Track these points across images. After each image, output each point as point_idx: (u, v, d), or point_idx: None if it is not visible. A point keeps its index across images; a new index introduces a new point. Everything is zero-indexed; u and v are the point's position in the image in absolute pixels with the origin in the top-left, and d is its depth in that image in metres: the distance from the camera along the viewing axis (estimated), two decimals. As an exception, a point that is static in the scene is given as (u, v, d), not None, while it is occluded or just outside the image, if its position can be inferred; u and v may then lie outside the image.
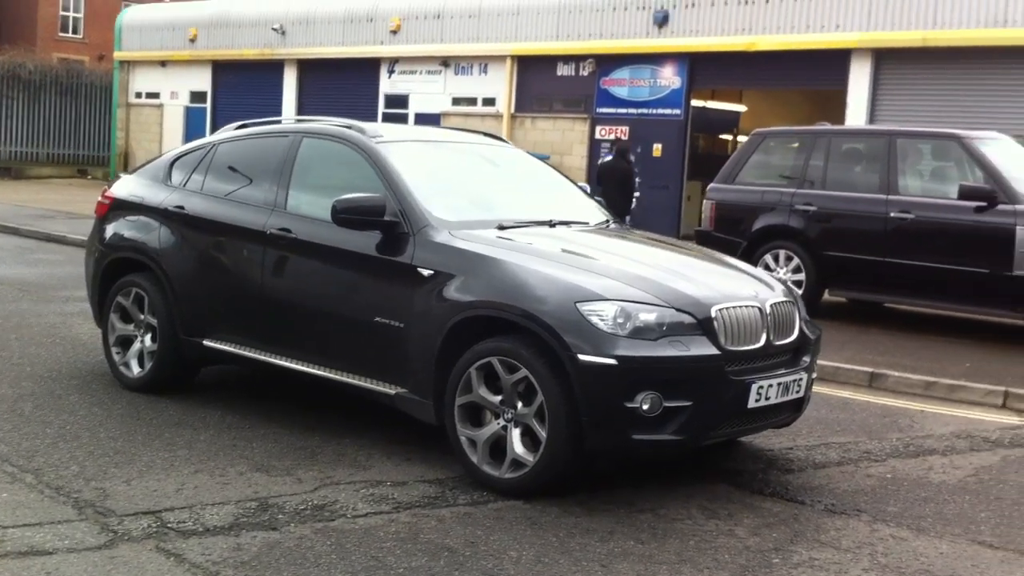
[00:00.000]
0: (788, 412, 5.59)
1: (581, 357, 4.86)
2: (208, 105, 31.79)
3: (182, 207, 6.73)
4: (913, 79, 18.04)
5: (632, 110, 21.82)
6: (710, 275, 5.60)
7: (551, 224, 6.10)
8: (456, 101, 25.24)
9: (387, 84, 26.84)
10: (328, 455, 5.68)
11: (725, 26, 20.05)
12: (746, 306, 5.30)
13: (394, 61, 26.59)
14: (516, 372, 5.06)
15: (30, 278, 12.06)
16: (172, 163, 7.09)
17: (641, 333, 4.92)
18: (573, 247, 5.65)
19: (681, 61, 21.00)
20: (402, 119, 25.92)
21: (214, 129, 31.74)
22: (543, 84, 23.34)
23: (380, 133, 6.30)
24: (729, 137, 25.60)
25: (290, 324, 6.11)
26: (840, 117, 18.42)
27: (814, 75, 19.22)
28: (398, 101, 26.50)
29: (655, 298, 5.07)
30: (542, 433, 4.99)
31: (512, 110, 23.86)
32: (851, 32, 18.39)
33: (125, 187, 7.32)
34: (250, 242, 6.31)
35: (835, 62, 18.69)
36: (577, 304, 4.98)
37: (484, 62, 24.53)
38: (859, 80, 18.45)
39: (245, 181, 6.60)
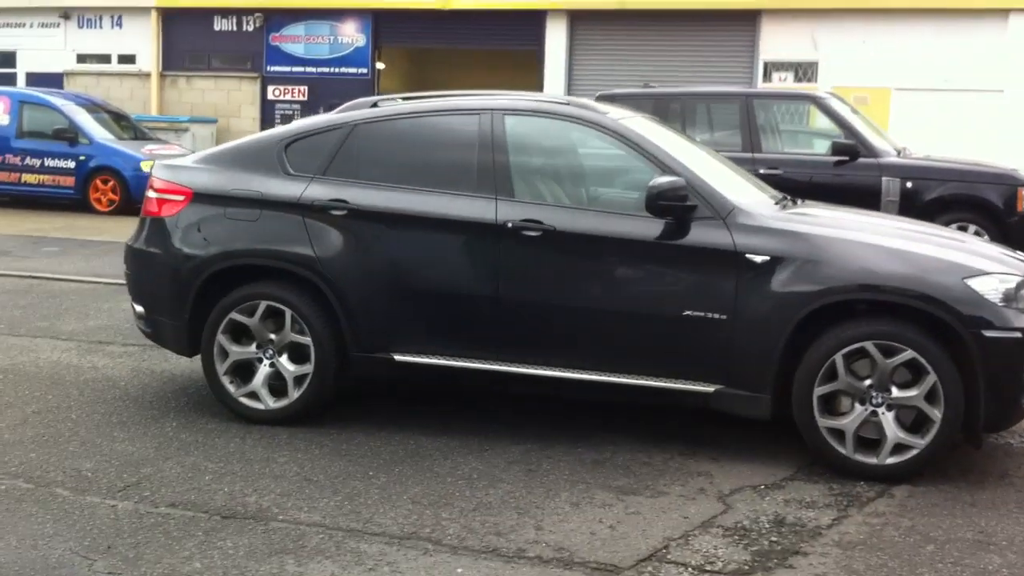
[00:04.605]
0: None
1: (987, 333, 4.88)
2: None
3: (344, 200, 5.61)
4: (607, 40, 19.11)
5: (311, 69, 20.89)
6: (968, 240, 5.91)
7: (784, 200, 5.96)
8: (82, 58, 22.50)
9: (-16, 39, 23.22)
10: (654, 467, 5.12)
11: (415, -18, 19.84)
12: None
13: (-9, 12, 23.03)
14: (896, 355, 4.94)
15: None
16: (285, 147, 5.85)
17: (1013, 303, 5.03)
18: (883, 225, 5.64)
19: (364, 18, 20.43)
20: (9, 80, 22.56)
21: None
22: (198, 40, 21.55)
23: (603, 109, 5.72)
24: (377, 96, 25.27)
25: (550, 328, 5.38)
26: (530, 78, 19.07)
27: (510, 35, 19.66)
28: (2, 60, 23.00)
29: (1007, 267, 5.22)
30: (935, 414, 4.92)
31: (160, 68, 21.74)
32: (549, -7, 19.08)
33: (208, 177, 5.87)
34: (476, 237, 5.44)
35: (531, 22, 19.25)
36: (966, 280, 4.98)
37: (118, 14, 22.08)
38: (555, 41, 19.19)
39: (429, 167, 5.66)
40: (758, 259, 5.13)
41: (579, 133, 5.67)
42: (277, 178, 5.77)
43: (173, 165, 6.17)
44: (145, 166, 16.99)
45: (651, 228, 5.27)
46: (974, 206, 10.81)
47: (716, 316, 5.16)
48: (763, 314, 5.11)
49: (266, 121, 20.96)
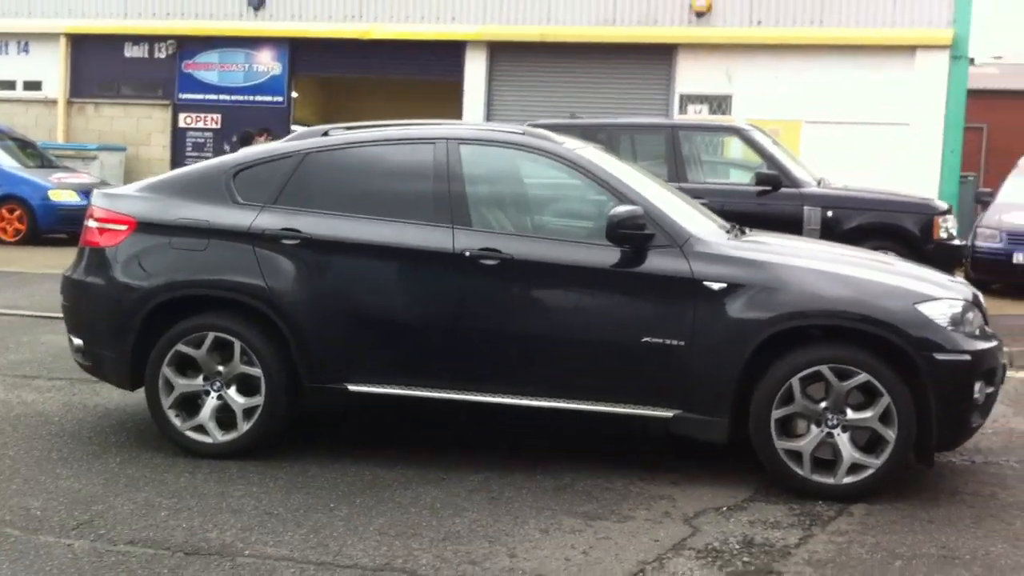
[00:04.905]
0: None
1: (938, 356, 5.01)
2: None
3: (296, 229, 5.51)
4: (527, 71, 19.21)
5: (225, 96, 20.52)
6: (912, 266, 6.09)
7: (734, 229, 6.04)
8: (-14, 85, 21.79)
9: None
10: (616, 492, 5.15)
11: (333, 12, 19.65)
12: None
13: None
14: (851, 378, 5.05)
15: None
16: (234, 175, 5.72)
17: (960, 327, 5.18)
18: (832, 253, 5.76)
19: (280, 46, 20.21)
20: (-94, 106, 21.72)
21: None
22: (108, 66, 20.98)
23: (558, 139, 5.75)
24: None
25: (508, 356, 5.36)
26: (449, 107, 19.07)
27: (430, 65, 19.60)
28: None
29: (953, 293, 5.36)
30: (889, 434, 5.04)
31: (68, 95, 21.17)
32: (468, 25, 19.08)
33: (152, 206, 5.73)
34: (434, 266, 5.40)
35: (451, 53, 19.28)
36: (916, 305, 5.11)
37: (24, 40, 21.43)
38: (475, 71, 19.23)
39: (383, 196, 5.60)
40: (715, 286, 5.19)
41: (535, 162, 5.69)
42: (225, 207, 5.66)
43: (114, 194, 6.03)
44: (53, 195, 16.63)
45: (609, 256, 5.30)
46: (892, 234, 11.11)
47: (674, 342, 5.20)
48: (720, 340, 5.17)
49: (177, 149, 20.57)
